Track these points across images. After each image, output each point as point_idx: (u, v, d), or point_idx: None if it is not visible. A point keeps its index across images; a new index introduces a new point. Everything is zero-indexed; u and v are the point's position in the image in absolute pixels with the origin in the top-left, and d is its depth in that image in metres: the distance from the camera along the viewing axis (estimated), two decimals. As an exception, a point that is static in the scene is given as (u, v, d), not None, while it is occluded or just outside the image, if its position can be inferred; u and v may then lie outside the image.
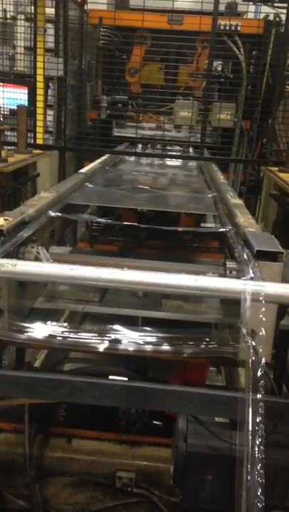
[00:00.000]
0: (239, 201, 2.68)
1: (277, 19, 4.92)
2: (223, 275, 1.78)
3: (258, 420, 1.39)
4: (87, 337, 1.48)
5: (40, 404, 2.21)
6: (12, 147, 4.36)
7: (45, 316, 2.12)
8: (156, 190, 3.08)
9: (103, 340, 1.48)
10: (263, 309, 1.48)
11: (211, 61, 4.65)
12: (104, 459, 2.35)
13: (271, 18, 4.96)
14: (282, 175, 3.97)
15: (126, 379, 1.63)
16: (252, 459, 1.39)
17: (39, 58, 4.70)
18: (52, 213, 2.22)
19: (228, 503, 1.45)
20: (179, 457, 1.76)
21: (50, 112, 5.36)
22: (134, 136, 5.05)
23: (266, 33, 4.91)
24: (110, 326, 1.60)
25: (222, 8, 4.80)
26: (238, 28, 4.94)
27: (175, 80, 5.26)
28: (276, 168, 4.29)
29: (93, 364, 2.52)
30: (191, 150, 5.05)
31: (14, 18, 6.81)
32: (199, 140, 4.80)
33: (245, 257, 1.72)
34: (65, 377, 1.50)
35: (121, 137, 5.25)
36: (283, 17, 4.75)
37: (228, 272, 1.78)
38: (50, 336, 1.45)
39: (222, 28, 4.82)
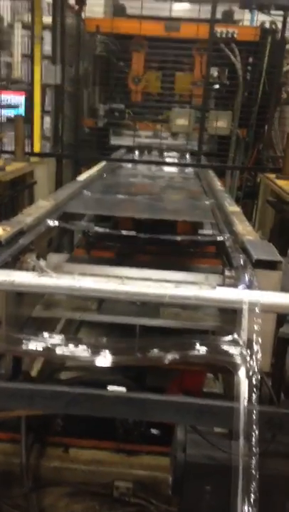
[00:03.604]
0: (237, 208, 2.69)
1: (273, 26, 4.95)
2: (222, 284, 1.78)
3: (253, 430, 1.38)
4: (84, 348, 1.47)
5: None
6: (9, 155, 4.36)
7: (43, 323, 2.12)
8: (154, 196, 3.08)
9: (100, 351, 1.47)
10: (262, 318, 1.48)
11: (208, 68, 4.67)
12: (101, 468, 2.33)
13: (267, 25, 4.99)
14: (279, 182, 3.98)
15: (124, 389, 1.62)
16: (247, 469, 1.39)
17: (36, 66, 4.72)
18: (50, 222, 2.21)
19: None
20: (177, 468, 1.74)
21: (47, 118, 5.37)
22: (131, 144, 5.06)
23: (262, 41, 4.94)
24: (107, 337, 1.59)
25: (218, 16, 4.83)
26: (235, 36, 4.97)
27: (172, 88, 5.28)
28: (273, 175, 4.30)
29: (90, 372, 2.51)
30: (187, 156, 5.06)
31: (11, 26, 6.84)
32: (196, 148, 4.81)
33: (244, 265, 1.72)
34: (62, 389, 1.49)
35: (118, 146, 5.26)
36: (279, 24, 4.78)
37: (226, 280, 1.78)
38: (48, 348, 1.44)
39: (219, 35, 4.85)
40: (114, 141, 5.29)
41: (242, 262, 1.76)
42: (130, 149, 5.13)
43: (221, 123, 4.93)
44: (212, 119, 4.94)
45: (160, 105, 5.20)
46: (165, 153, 5.25)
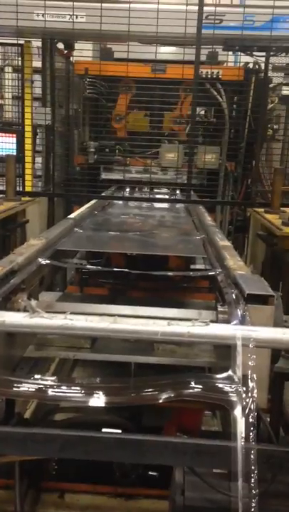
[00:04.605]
0: (228, 243, 2.71)
1: (257, 67, 5.13)
2: (215, 320, 1.77)
3: (252, 470, 1.35)
4: (77, 389, 1.44)
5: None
6: (1, 195, 4.39)
7: (36, 362, 2.09)
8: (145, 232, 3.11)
9: (93, 391, 1.45)
10: (256, 354, 1.46)
11: (194, 107, 4.79)
12: (98, 514, 2.26)
13: (251, 65, 5.16)
14: (268, 216, 4.02)
15: (119, 431, 1.58)
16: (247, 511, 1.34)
17: (27, 107, 4.83)
18: (41, 261, 2.21)
19: None
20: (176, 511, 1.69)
21: (38, 156, 5.45)
22: (121, 179, 5.14)
23: (246, 80, 5.10)
24: (102, 373, 1.56)
25: (203, 57, 4.98)
26: (220, 76, 5.12)
27: (160, 127, 5.39)
28: (262, 210, 4.35)
29: (85, 413, 2.46)
30: (178, 191, 5.13)
31: (2, 70, 7.02)
32: (185, 181, 4.87)
33: (236, 300, 1.72)
34: (56, 432, 1.45)
35: (109, 180, 5.33)
36: (262, 65, 4.95)
37: (219, 316, 1.77)
38: (40, 390, 1.41)
39: (204, 75, 4.99)
40: (105, 176, 5.37)
41: (234, 297, 1.76)
42: (121, 185, 5.20)
43: (209, 157, 5.03)
44: (200, 154, 5.03)
45: (149, 144, 5.30)
46: (155, 189, 5.32)
